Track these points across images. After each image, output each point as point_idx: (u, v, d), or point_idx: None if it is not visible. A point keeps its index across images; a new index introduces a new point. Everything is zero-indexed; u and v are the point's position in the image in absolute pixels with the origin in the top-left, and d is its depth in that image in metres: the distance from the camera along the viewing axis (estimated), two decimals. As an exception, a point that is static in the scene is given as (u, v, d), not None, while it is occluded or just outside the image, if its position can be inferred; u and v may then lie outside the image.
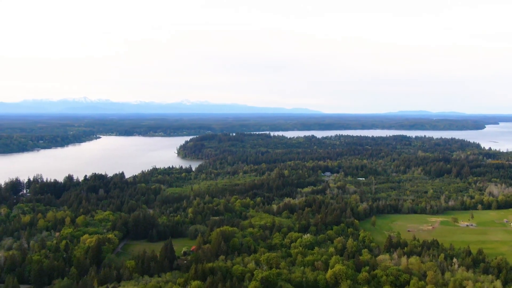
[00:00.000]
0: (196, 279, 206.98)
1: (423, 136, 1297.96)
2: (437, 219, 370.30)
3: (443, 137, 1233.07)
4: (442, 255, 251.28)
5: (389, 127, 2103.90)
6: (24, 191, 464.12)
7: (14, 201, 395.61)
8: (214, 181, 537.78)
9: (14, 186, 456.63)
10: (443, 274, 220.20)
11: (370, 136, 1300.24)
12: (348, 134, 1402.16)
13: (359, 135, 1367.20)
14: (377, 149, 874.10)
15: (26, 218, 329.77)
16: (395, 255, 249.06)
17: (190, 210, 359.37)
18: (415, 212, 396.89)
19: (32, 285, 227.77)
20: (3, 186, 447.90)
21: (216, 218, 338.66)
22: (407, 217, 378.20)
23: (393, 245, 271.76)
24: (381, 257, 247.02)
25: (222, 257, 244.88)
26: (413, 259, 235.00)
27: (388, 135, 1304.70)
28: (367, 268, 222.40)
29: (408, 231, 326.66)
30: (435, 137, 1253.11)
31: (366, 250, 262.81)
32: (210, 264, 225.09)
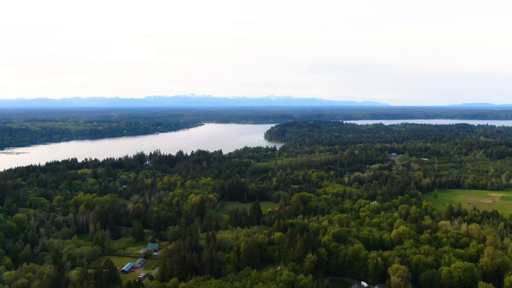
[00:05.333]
0: (278, 231, 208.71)
1: (485, 124, 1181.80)
2: (497, 194, 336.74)
3: (505, 125, 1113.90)
4: (502, 223, 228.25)
5: (452, 117, 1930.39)
6: (147, 162, 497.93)
7: (140, 168, 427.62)
8: (294, 158, 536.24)
9: (140, 158, 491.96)
10: (502, 239, 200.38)
11: (434, 124, 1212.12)
12: (413, 122, 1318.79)
13: (423, 123, 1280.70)
14: (440, 134, 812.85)
15: (148, 181, 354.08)
16: (455, 222, 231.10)
17: (274, 179, 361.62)
18: (475, 188, 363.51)
19: (152, 229, 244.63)
20: (132, 158, 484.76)
21: (296, 186, 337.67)
22: (468, 192, 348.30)
23: (454, 214, 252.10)
24: (442, 222, 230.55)
25: (300, 216, 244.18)
26: (473, 226, 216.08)
27: (451, 124, 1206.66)
28: (429, 230, 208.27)
29: (469, 203, 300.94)
30: (497, 125, 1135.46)
31: (428, 216, 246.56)
32: (290, 220, 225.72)
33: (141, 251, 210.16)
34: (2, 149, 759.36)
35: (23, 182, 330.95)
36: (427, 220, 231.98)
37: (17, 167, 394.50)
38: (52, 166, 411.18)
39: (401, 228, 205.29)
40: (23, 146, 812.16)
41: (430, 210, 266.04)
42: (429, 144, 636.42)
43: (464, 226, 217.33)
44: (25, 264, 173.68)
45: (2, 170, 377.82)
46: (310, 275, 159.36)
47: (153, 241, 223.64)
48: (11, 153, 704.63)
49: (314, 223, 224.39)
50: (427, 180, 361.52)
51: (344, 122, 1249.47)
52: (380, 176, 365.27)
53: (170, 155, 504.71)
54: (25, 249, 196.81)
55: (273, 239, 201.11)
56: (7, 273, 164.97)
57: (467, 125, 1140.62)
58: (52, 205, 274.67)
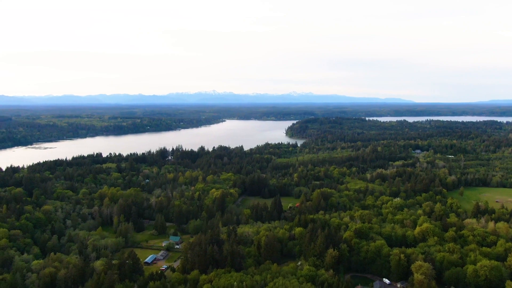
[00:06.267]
0: (299, 226, 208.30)
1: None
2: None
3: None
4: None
5: (480, 114, 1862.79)
6: (169, 157, 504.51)
7: (162, 163, 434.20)
8: (315, 155, 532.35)
9: (162, 153, 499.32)
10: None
11: (460, 121, 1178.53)
12: (439, 119, 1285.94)
13: (449, 120, 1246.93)
14: (466, 131, 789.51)
15: (170, 175, 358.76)
16: (482, 220, 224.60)
17: (295, 175, 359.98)
18: (504, 186, 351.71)
19: (174, 223, 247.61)
20: (155, 153, 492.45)
21: (317, 182, 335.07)
22: (496, 190, 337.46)
23: (480, 212, 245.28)
24: (468, 220, 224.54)
25: (321, 212, 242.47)
26: (501, 224, 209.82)
27: (478, 121, 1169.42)
28: (454, 228, 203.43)
29: (497, 201, 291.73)
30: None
31: (453, 214, 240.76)
32: (311, 216, 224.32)
33: (163, 244, 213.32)
34: (31, 144, 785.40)
35: (50, 176, 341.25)
36: (452, 218, 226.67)
37: (45, 161, 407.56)
38: (78, 161, 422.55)
39: (425, 225, 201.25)
40: (51, 141, 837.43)
41: (455, 208, 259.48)
42: (455, 141, 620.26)
43: (491, 224, 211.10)
44: (52, 253, 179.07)
45: (31, 164, 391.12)
46: (331, 271, 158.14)
47: (175, 234, 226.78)
48: (39, 148, 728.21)
49: (336, 219, 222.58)
50: (453, 177, 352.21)
51: (367, 118, 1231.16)
52: (404, 173, 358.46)
53: (192, 151, 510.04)
54: (53, 240, 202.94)
55: (293, 234, 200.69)
56: (35, 262, 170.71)
57: (495, 122, 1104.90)
58: (78, 198, 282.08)
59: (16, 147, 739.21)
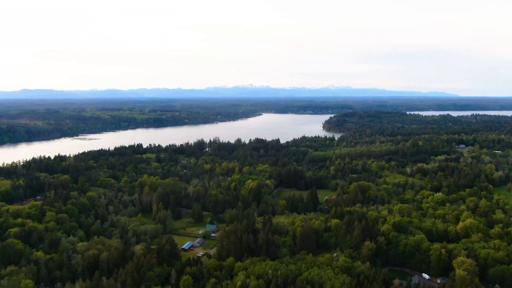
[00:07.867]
0: (335, 218, 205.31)
1: None
2: None
3: None
4: None
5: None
6: (207, 149, 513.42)
7: (200, 154, 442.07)
8: (353, 148, 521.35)
9: (200, 144, 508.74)
10: None
11: (510, 115, 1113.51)
12: (485, 114, 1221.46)
13: (497, 114, 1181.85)
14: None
15: (208, 166, 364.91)
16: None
17: (332, 168, 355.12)
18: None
19: (211, 212, 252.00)
20: (193, 145, 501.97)
21: (355, 175, 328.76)
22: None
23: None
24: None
25: (358, 204, 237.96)
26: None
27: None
28: (501, 225, 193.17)
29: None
30: None
31: (499, 210, 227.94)
32: (348, 208, 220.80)
33: (200, 232, 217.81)
34: (77, 135, 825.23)
35: (94, 164, 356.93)
36: (499, 214, 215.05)
37: (90, 151, 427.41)
38: (120, 151, 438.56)
39: (469, 221, 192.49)
40: (95, 132, 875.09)
41: (502, 204, 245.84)
42: (503, 136, 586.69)
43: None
44: (95, 237, 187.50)
45: (76, 153, 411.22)
46: (368, 263, 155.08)
47: (211, 223, 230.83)
48: (84, 139, 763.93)
49: (373, 212, 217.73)
50: (500, 173, 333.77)
51: (408, 113, 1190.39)
52: (446, 168, 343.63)
53: (228, 143, 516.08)
54: (96, 224, 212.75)
55: (329, 225, 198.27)
56: (80, 244, 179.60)
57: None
58: (119, 186, 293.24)
59: (63, 138, 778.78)
